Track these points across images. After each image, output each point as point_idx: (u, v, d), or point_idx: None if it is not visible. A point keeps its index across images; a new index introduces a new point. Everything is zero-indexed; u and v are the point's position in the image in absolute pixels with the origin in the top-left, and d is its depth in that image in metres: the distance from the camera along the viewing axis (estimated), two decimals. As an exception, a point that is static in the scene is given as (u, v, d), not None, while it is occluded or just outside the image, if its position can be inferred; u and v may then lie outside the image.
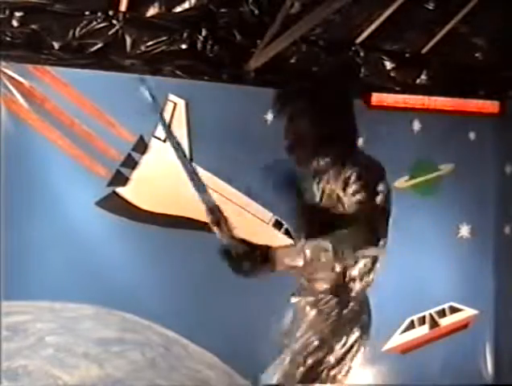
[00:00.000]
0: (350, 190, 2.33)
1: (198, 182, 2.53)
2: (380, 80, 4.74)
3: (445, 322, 4.92)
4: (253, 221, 4.49)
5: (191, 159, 4.38)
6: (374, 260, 2.56)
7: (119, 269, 4.17)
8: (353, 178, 2.33)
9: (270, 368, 2.57)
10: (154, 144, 4.33)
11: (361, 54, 4.64)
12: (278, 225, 4.51)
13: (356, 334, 2.59)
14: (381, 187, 2.34)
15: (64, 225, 4.10)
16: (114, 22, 4.08)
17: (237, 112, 4.39)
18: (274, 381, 2.53)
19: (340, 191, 2.37)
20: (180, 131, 4.36)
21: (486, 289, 4.95)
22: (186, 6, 4.13)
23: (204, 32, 4.26)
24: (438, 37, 4.58)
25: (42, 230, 4.07)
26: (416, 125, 4.84)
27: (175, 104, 4.34)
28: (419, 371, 4.75)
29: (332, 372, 2.48)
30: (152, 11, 4.11)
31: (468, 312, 4.95)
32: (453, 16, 4.42)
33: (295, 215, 2.66)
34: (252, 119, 4.47)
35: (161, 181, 4.34)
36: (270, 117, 4.48)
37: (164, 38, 4.20)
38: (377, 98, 4.70)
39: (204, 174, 4.39)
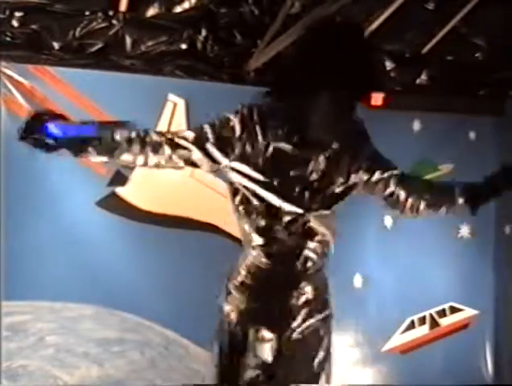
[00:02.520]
0: None
1: None
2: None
3: (445, 322, 4.92)
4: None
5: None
6: None
7: (119, 269, 4.17)
8: None
9: None
10: (154, 144, 4.33)
11: (361, 54, 4.64)
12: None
13: None
14: None
15: (63, 225, 4.10)
16: (114, 22, 4.08)
17: (237, 112, 4.38)
18: None
19: None
20: (180, 131, 4.36)
21: (486, 289, 4.95)
22: (186, 6, 4.12)
23: (204, 32, 4.26)
24: (438, 37, 4.58)
25: (42, 230, 4.07)
26: (416, 125, 4.84)
27: (175, 104, 4.34)
28: (419, 371, 4.75)
29: None
30: (152, 11, 4.11)
31: (468, 312, 4.95)
32: (453, 16, 4.42)
33: None
34: (252, 119, 4.46)
35: (161, 181, 4.34)
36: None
37: (164, 38, 4.20)
38: (377, 98, 4.70)
39: (203, 173, 4.41)
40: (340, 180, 2.43)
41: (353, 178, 2.45)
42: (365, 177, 2.46)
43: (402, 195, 2.47)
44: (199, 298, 4.26)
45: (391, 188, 2.48)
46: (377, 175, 2.47)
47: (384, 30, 4.46)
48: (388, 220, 4.75)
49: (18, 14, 3.93)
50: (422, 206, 2.47)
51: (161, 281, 4.26)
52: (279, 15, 4.00)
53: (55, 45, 4.05)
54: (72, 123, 2.27)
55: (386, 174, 2.47)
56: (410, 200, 2.46)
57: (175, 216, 4.35)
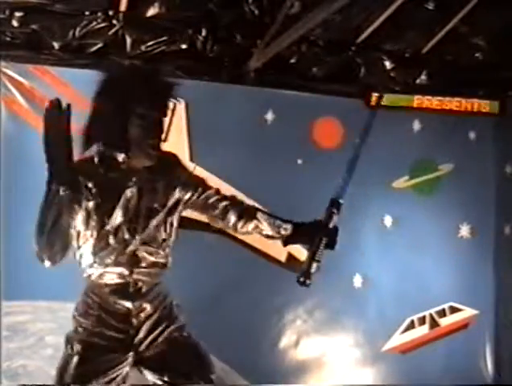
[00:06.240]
0: None
1: None
2: (380, 80, 4.74)
3: (445, 322, 4.92)
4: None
5: (191, 159, 4.40)
6: None
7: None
8: None
9: None
10: (154, 144, 4.33)
11: (361, 54, 4.65)
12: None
13: None
14: None
15: (63, 225, 4.09)
16: (114, 22, 4.08)
17: (237, 112, 4.39)
18: None
19: None
20: (180, 131, 4.36)
21: (486, 289, 4.95)
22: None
23: (204, 32, 4.26)
24: (438, 37, 4.58)
25: (42, 230, 4.06)
26: (416, 125, 4.84)
27: (175, 104, 4.33)
28: (419, 371, 4.75)
29: None
30: (152, 11, 4.11)
31: (468, 312, 4.95)
32: (453, 16, 4.42)
33: None
34: (252, 119, 4.47)
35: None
36: (270, 116, 4.49)
37: (164, 38, 4.20)
38: (377, 98, 4.71)
39: (204, 174, 4.41)
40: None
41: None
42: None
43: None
44: (198, 298, 4.27)
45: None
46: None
47: (384, 30, 4.46)
48: (388, 220, 4.75)
49: (18, 14, 3.93)
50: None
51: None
52: (279, 15, 4.01)
53: (55, 45, 4.06)
54: None
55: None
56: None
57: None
